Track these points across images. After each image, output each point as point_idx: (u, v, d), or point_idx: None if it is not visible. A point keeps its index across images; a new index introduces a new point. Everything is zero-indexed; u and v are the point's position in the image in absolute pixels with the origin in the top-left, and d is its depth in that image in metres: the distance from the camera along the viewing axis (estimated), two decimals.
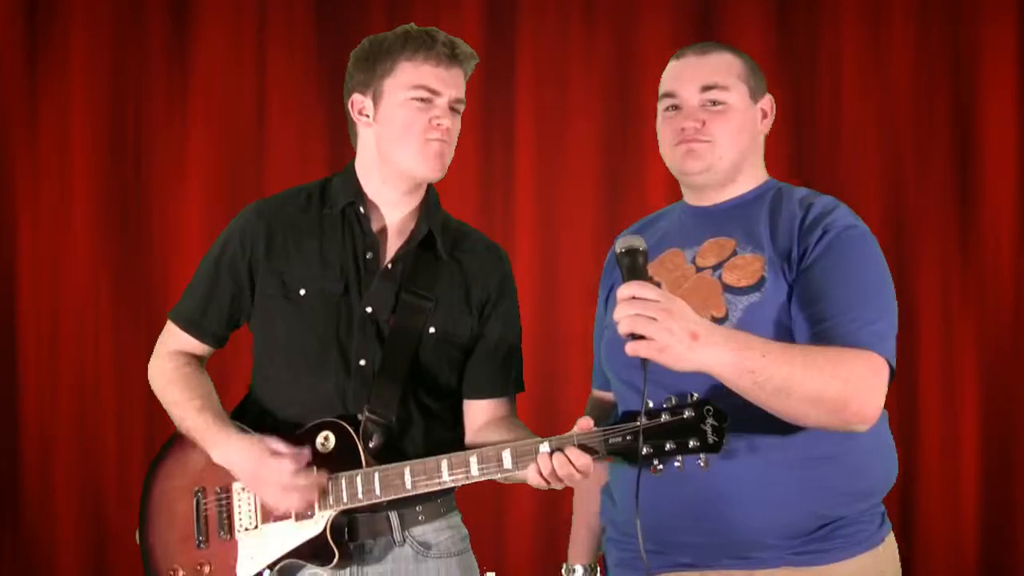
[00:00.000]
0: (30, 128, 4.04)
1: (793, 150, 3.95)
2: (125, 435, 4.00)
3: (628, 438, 2.05)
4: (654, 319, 1.95)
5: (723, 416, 2.00)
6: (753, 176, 2.35)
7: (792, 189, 2.33)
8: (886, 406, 2.17)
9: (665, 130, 2.32)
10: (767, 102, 2.35)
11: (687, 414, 2.01)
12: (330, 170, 3.96)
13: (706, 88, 2.28)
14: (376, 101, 2.37)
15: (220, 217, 3.98)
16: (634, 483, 2.10)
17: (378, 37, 2.40)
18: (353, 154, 2.48)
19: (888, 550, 2.23)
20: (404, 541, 2.36)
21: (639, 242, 2.05)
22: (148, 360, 2.47)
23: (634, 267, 2.03)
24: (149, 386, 2.51)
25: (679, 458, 2.02)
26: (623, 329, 1.98)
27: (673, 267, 2.28)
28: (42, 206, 4.04)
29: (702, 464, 2.01)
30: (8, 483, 4.01)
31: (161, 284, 4.00)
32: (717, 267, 2.23)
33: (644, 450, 2.03)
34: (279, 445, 2.28)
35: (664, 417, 2.02)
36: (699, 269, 2.25)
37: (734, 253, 2.23)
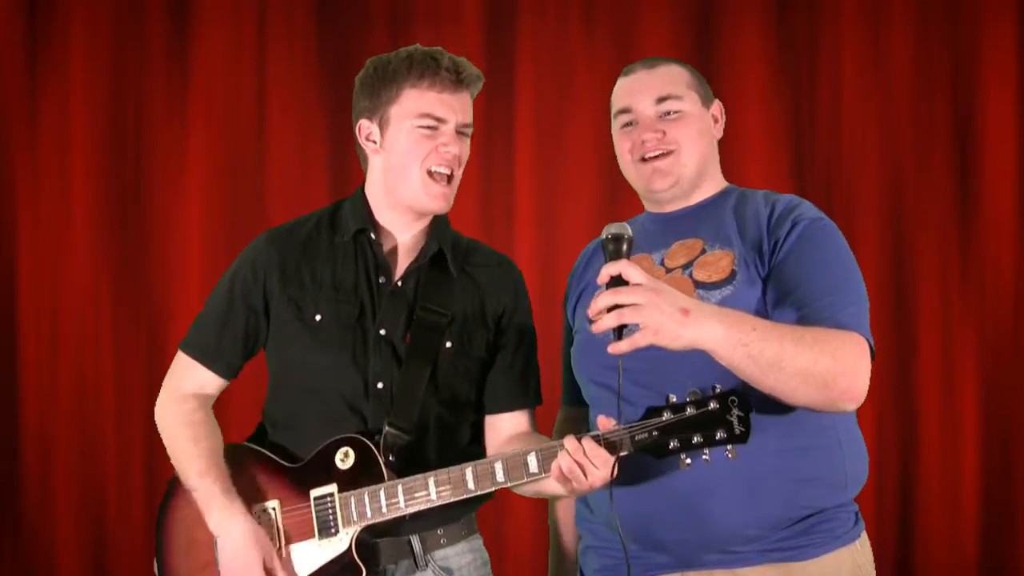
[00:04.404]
0: (30, 128, 4.03)
1: (793, 151, 3.94)
2: (125, 435, 3.99)
3: (655, 433, 2.04)
4: (641, 304, 1.97)
5: (748, 406, 2.01)
6: (714, 182, 2.40)
7: (753, 191, 2.38)
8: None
9: (623, 145, 2.38)
10: (716, 108, 2.42)
11: (712, 406, 2.01)
12: (331, 170, 4.00)
13: (661, 99, 2.34)
14: (383, 128, 2.36)
15: (220, 217, 4.00)
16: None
17: (383, 60, 2.38)
18: (358, 159, 2.47)
19: (864, 547, 2.27)
20: (426, 565, 2.33)
21: (626, 229, 2.07)
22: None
23: (618, 253, 2.05)
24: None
25: (706, 451, 2.02)
26: (609, 324, 2.00)
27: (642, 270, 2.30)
28: (42, 206, 4.03)
29: (730, 455, 2.01)
30: (8, 483, 4.01)
31: (161, 284, 4.00)
32: (687, 266, 2.26)
33: (671, 444, 2.03)
34: (275, 558, 2.26)
35: (690, 410, 2.03)
36: (669, 270, 2.28)
37: (702, 251, 2.27)
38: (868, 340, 2.13)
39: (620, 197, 3.87)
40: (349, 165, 3.75)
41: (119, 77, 4.04)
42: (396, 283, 2.37)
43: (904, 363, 3.86)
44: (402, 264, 2.39)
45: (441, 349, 2.35)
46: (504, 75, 3.95)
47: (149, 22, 4.04)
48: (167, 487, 2.44)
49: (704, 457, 2.03)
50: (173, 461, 2.39)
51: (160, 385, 2.49)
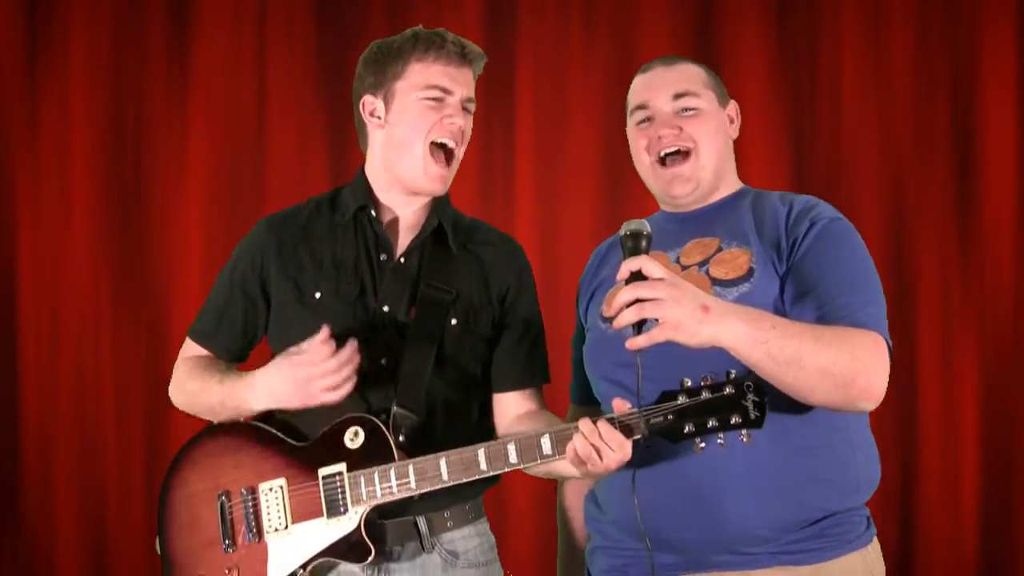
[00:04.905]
0: (30, 128, 4.04)
1: (793, 151, 3.95)
2: (125, 435, 3.99)
3: (670, 417, 2.03)
4: (661, 299, 1.96)
5: (763, 391, 1.99)
6: (730, 183, 2.40)
7: (768, 192, 2.38)
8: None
9: (639, 141, 2.37)
10: (732, 108, 2.42)
11: (728, 390, 2.00)
12: (330, 170, 4.00)
13: (678, 96, 2.34)
14: (387, 102, 2.37)
15: (220, 217, 4.00)
16: (626, 483, 2.11)
17: (386, 40, 2.40)
18: (358, 158, 2.48)
19: (875, 551, 2.25)
20: (432, 548, 2.32)
21: (645, 226, 2.06)
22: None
23: (637, 250, 2.04)
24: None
25: (721, 435, 2.01)
26: (629, 319, 1.99)
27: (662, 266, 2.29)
28: (42, 206, 4.04)
29: (745, 439, 2.00)
30: (8, 483, 4.01)
31: (161, 284, 4.00)
32: (703, 263, 2.26)
33: (686, 428, 2.01)
34: (301, 345, 2.25)
35: (705, 394, 2.01)
36: (684, 268, 2.27)
37: (719, 250, 2.26)
38: (886, 340, 2.13)
39: (620, 195, 3.88)
40: (349, 164, 3.75)
41: (119, 77, 4.04)
42: (398, 260, 2.36)
43: (904, 363, 3.86)
44: (403, 241, 2.39)
45: (447, 327, 2.34)
46: (504, 74, 3.95)
47: (149, 22, 4.04)
48: (170, 464, 2.43)
49: (719, 441, 2.01)
50: (196, 404, 2.41)
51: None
